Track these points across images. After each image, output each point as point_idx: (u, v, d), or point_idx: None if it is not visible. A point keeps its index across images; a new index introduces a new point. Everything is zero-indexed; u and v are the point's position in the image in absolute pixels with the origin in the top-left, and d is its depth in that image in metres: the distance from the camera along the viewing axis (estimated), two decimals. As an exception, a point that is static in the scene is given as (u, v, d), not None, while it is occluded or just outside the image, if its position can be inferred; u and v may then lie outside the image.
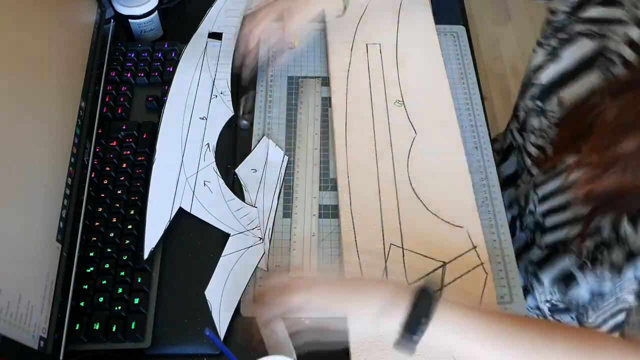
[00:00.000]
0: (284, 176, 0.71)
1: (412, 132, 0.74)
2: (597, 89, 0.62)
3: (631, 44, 0.58)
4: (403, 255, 0.64)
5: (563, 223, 0.69)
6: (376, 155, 0.72)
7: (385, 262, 0.64)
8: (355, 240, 0.65)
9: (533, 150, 0.74)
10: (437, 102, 0.77)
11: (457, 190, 0.70)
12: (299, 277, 0.59)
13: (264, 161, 0.72)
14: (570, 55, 0.66)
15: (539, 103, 0.70)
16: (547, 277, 0.74)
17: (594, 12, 0.64)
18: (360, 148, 0.73)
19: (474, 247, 0.65)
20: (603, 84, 0.61)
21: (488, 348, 0.51)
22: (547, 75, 0.69)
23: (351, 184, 0.70)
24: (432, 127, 0.75)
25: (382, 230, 0.66)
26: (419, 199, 0.69)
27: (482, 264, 0.64)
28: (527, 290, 0.78)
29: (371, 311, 0.52)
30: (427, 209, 0.68)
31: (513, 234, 0.75)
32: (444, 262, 0.64)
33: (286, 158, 0.73)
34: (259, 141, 0.74)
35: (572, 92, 0.66)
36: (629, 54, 0.58)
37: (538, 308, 0.80)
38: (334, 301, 0.55)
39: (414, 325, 0.50)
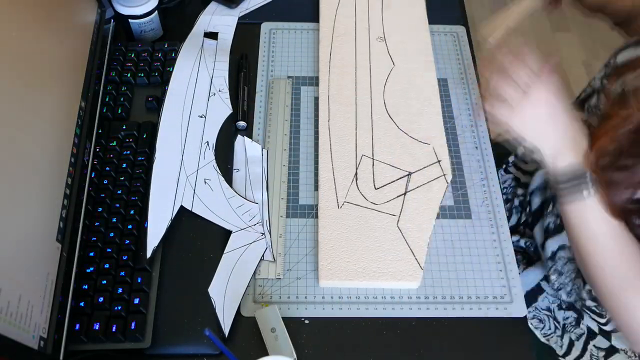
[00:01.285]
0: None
1: (390, 63, 0.81)
2: None
3: None
4: (373, 165, 0.72)
5: None
6: (355, 81, 0.79)
7: (356, 169, 0.71)
8: (331, 150, 0.73)
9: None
10: (416, 39, 0.84)
11: (428, 115, 0.76)
12: (538, 89, 0.61)
13: (244, 159, 0.73)
14: None
15: (604, 82, 0.70)
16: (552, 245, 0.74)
17: None
18: (342, 76, 0.80)
19: (439, 161, 0.72)
20: None
21: (614, 238, 0.59)
22: (623, 56, 0.68)
23: (331, 104, 0.77)
24: (409, 60, 0.82)
25: (356, 144, 0.74)
26: (392, 119, 0.76)
27: (444, 175, 0.71)
28: (539, 291, 0.78)
29: (549, 145, 0.62)
30: (399, 128, 0.75)
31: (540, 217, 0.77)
32: (409, 172, 0.71)
33: (265, 151, 0.73)
34: (235, 141, 0.75)
35: (636, 77, 0.64)
36: None
37: (549, 309, 0.80)
38: (532, 130, 0.63)
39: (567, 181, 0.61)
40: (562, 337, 0.80)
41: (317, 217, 0.69)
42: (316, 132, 0.76)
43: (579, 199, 0.60)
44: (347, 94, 0.78)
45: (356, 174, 0.71)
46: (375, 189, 0.70)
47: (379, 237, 0.66)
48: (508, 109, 0.62)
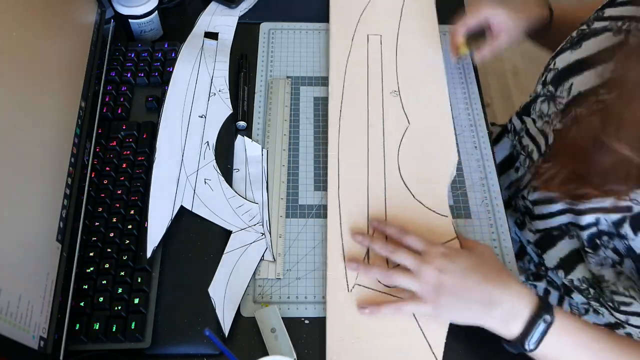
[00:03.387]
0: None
1: (405, 122, 0.75)
2: (606, 81, 0.61)
3: None
4: (386, 240, 0.65)
5: (552, 214, 0.69)
6: (368, 142, 0.73)
7: (368, 246, 0.65)
8: (340, 223, 0.67)
9: (536, 132, 0.74)
10: (432, 93, 0.78)
11: (445, 182, 0.70)
12: (427, 269, 0.57)
13: (244, 159, 0.73)
14: (591, 46, 0.65)
15: (550, 88, 0.70)
16: (551, 259, 0.73)
17: (616, 11, 0.64)
18: (353, 135, 0.74)
19: (458, 236, 0.66)
20: (613, 78, 0.60)
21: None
22: (563, 60, 0.69)
23: (341, 169, 0.71)
24: (426, 119, 0.75)
25: (368, 216, 0.67)
26: (407, 187, 0.69)
27: None
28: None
29: (491, 323, 0.56)
30: (414, 197, 0.69)
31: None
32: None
33: (265, 151, 0.73)
34: (235, 141, 0.74)
35: (583, 81, 0.65)
36: None
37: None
38: (457, 315, 0.58)
39: (529, 338, 0.54)
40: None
41: (316, 217, 0.69)
42: (316, 133, 0.76)
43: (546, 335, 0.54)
44: (359, 158, 0.71)
45: (368, 251, 0.65)
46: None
47: (393, 327, 0.60)
48: (409, 276, 0.58)
